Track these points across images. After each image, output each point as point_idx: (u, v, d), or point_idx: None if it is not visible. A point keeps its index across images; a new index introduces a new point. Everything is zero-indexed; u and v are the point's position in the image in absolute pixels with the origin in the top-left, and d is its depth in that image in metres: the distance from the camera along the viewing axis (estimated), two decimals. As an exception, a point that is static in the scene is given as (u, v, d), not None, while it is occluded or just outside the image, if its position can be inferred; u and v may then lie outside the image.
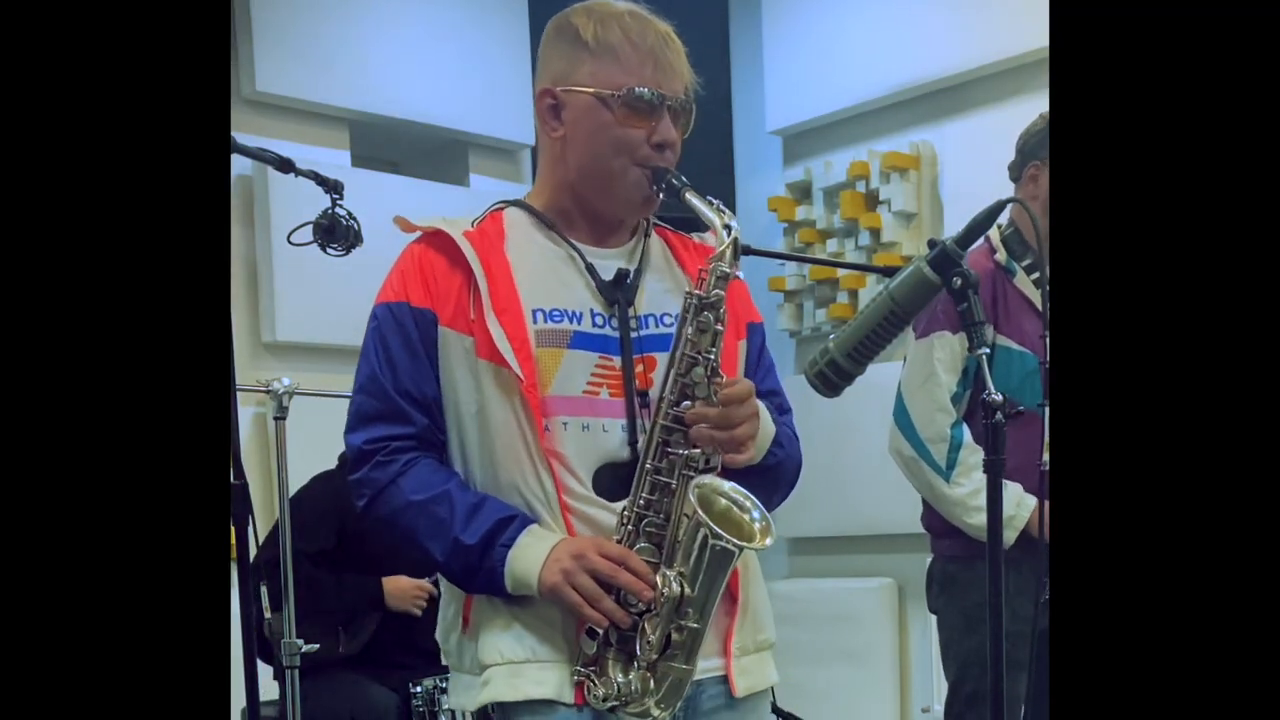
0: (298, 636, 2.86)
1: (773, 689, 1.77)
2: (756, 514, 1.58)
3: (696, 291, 1.59)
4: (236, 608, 2.49)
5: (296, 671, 2.86)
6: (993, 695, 1.67)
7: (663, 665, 1.56)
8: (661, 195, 1.65)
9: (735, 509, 1.58)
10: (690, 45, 1.70)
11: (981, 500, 2.49)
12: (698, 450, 1.58)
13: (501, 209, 1.73)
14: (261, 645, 2.86)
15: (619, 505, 1.61)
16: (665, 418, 1.58)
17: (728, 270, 1.58)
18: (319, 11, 4.35)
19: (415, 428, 1.64)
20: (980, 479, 2.51)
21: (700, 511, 1.53)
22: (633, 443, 1.63)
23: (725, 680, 1.67)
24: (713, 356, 1.57)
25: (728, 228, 1.58)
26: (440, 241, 1.66)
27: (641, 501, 1.58)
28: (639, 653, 1.56)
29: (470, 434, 1.64)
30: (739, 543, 1.55)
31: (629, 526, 1.58)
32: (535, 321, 1.62)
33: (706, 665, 1.64)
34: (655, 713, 1.57)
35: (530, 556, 1.57)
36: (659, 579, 1.56)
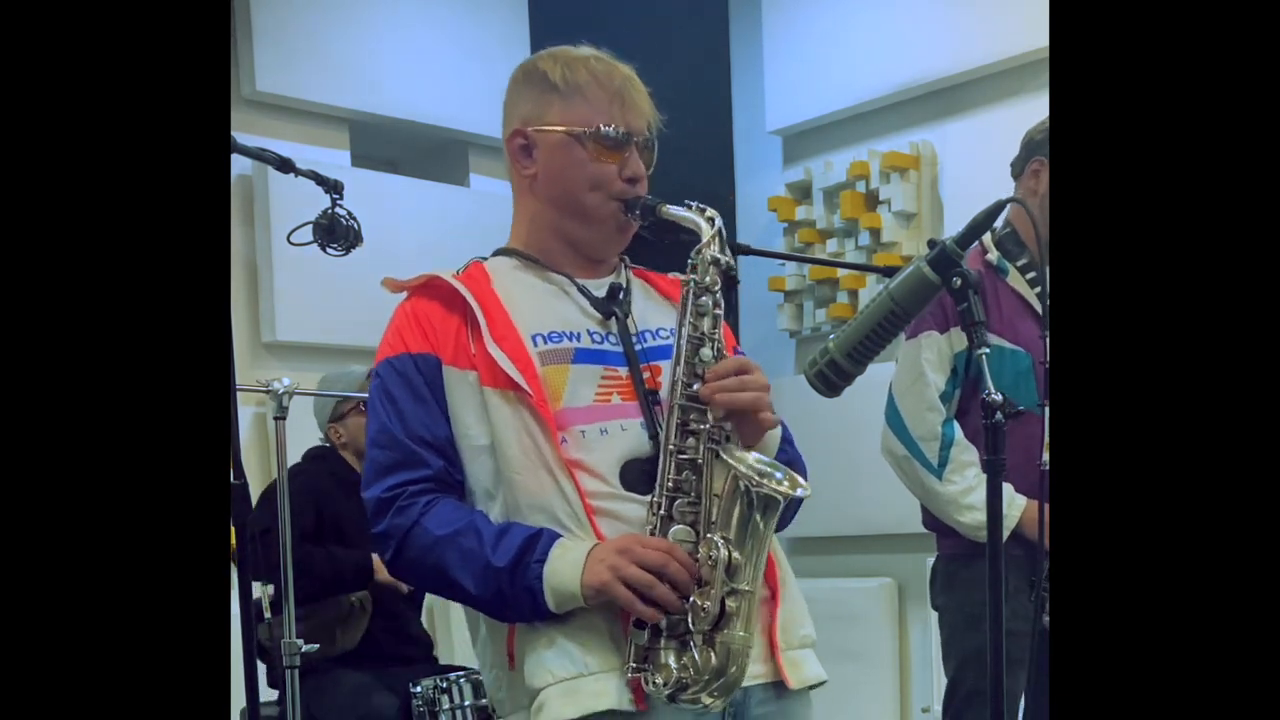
0: (297, 636, 2.86)
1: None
2: (780, 474, 1.58)
3: (692, 277, 1.65)
4: (236, 608, 2.49)
5: (296, 671, 2.86)
6: (993, 693, 1.67)
7: (720, 636, 1.54)
8: (637, 218, 1.70)
9: (759, 476, 1.57)
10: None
11: (973, 498, 2.53)
12: (720, 411, 1.58)
13: (482, 261, 1.76)
14: (261, 649, 2.87)
15: (649, 497, 1.60)
16: (681, 398, 1.60)
17: (718, 255, 1.64)
18: (319, 11, 4.36)
19: (431, 470, 1.64)
20: (972, 476, 2.54)
21: (737, 466, 1.55)
22: (654, 436, 1.63)
23: (772, 685, 1.66)
24: (717, 337, 1.63)
25: (710, 220, 1.66)
26: (431, 290, 1.69)
27: (670, 484, 1.58)
28: (694, 625, 1.54)
29: (485, 467, 1.63)
30: (780, 490, 1.55)
31: (661, 512, 1.58)
32: (536, 345, 1.64)
33: (753, 670, 1.61)
34: (706, 700, 1.55)
35: (567, 566, 1.55)
36: (704, 545, 1.55)
